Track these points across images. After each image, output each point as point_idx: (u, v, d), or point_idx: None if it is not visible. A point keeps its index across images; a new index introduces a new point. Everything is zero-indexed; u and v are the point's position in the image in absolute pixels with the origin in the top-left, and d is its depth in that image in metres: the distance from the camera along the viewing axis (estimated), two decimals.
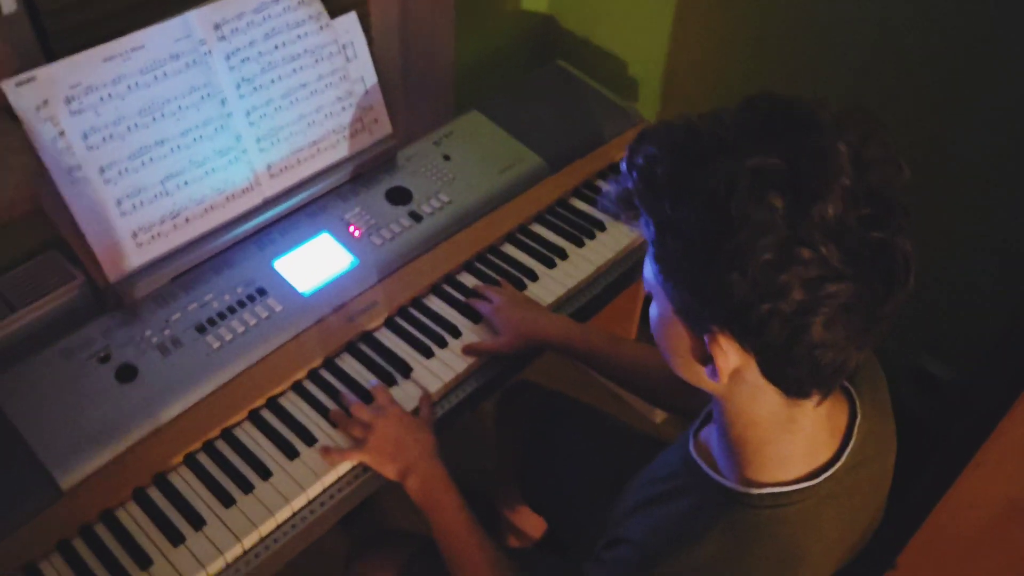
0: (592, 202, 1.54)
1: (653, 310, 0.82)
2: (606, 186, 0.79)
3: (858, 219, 0.67)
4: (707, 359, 0.77)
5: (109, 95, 1.21)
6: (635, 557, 0.84)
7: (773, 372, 0.75)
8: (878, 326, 0.72)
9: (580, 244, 1.47)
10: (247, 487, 1.14)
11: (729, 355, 0.74)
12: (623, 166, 0.77)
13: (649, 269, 0.79)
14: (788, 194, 0.66)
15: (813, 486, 0.82)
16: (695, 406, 1.18)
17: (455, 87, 1.84)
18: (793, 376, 0.74)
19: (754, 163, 0.67)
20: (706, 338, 0.75)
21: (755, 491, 0.82)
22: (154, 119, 1.25)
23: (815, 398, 0.78)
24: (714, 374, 0.77)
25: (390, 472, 1.14)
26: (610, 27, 1.91)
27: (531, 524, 1.68)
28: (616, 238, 1.48)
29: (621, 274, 1.47)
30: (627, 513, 0.93)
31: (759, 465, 0.83)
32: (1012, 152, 1.45)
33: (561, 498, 1.43)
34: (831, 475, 0.83)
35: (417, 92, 1.80)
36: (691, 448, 0.90)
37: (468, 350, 1.30)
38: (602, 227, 1.50)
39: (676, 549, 0.82)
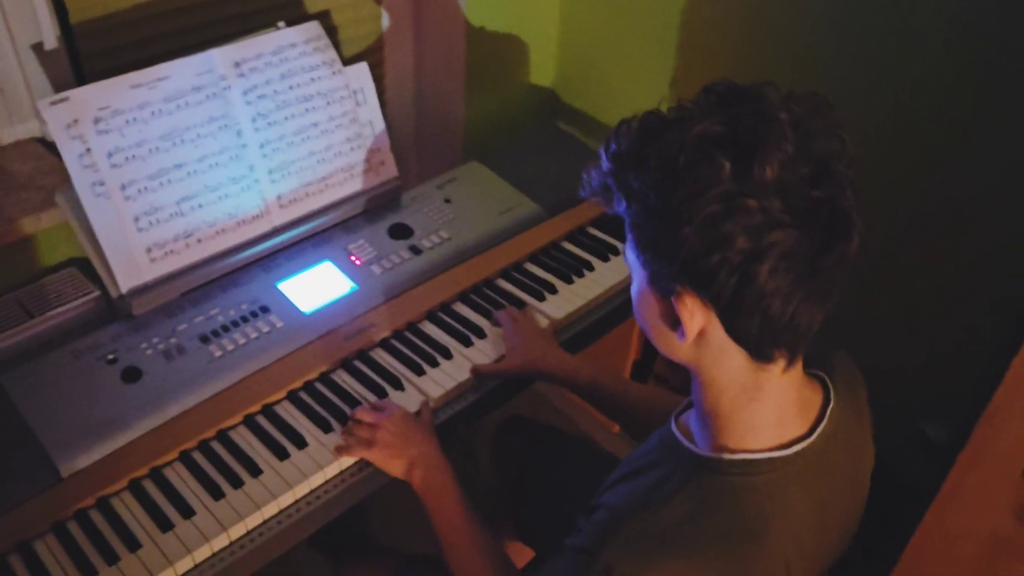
0: (584, 246, 1.62)
1: (633, 289, 0.89)
2: (587, 175, 0.87)
3: (798, 178, 0.74)
4: (676, 322, 0.83)
5: (134, 119, 1.32)
6: (606, 517, 0.88)
7: (732, 326, 0.81)
8: (822, 279, 0.78)
9: (569, 281, 1.54)
10: (237, 483, 1.18)
11: (694, 313, 0.81)
12: (600, 152, 0.85)
13: (628, 250, 0.87)
14: (732, 154, 0.74)
15: (782, 457, 0.86)
16: None
17: (463, 143, 1.95)
18: (749, 329, 0.80)
19: (699, 128, 0.76)
20: (673, 299, 0.81)
21: (726, 457, 0.87)
22: (174, 144, 1.36)
23: (780, 362, 0.84)
24: (682, 335, 0.83)
25: (396, 468, 1.19)
26: (608, 104, 2.04)
27: (520, 560, 1.70)
28: (605, 276, 1.55)
29: (609, 311, 1.53)
30: (607, 486, 0.97)
31: (730, 433, 0.87)
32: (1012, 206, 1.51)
33: (553, 529, 1.45)
34: (801, 451, 0.87)
35: (427, 145, 1.91)
36: (672, 426, 0.95)
37: (477, 371, 1.36)
38: (591, 267, 1.57)
39: (644, 510, 0.86)
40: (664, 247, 0.79)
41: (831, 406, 0.91)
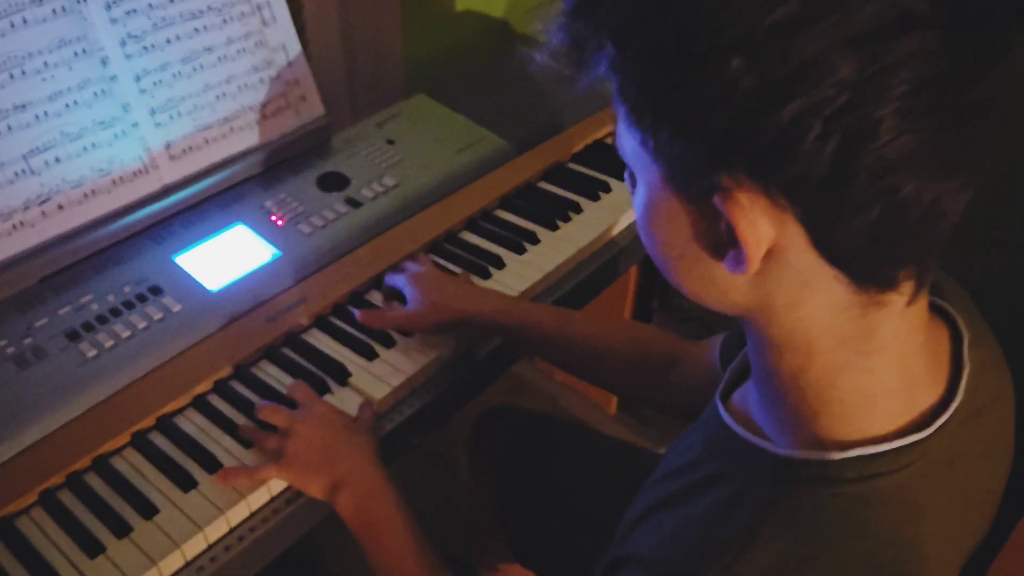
0: (566, 185, 1.29)
1: (638, 198, 0.55)
2: (545, 30, 0.52)
3: None
4: (722, 243, 0.50)
5: None
6: None
7: (826, 235, 0.47)
8: (970, 130, 0.45)
9: (554, 228, 1.21)
10: (122, 529, 0.83)
11: (756, 219, 0.47)
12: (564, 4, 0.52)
13: (624, 135, 0.53)
14: None
15: (921, 442, 0.54)
16: (666, 394, 0.92)
17: (405, 80, 1.61)
18: (858, 234, 0.46)
19: None
20: (717, 200, 0.47)
21: (833, 456, 0.53)
22: (12, 77, 1.00)
23: (904, 289, 0.51)
24: (738, 263, 0.49)
25: (315, 488, 0.85)
26: None
27: None
28: (596, 218, 1.22)
29: (608, 260, 1.20)
30: (632, 524, 0.64)
31: (831, 415, 0.54)
32: None
33: (555, 541, 1.13)
34: (945, 423, 0.55)
35: (362, 85, 1.57)
36: (721, 413, 0.62)
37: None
38: (578, 209, 1.24)
39: (708, 564, 0.52)
40: (696, 106, 0.45)
41: (965, 344, 0.58)
